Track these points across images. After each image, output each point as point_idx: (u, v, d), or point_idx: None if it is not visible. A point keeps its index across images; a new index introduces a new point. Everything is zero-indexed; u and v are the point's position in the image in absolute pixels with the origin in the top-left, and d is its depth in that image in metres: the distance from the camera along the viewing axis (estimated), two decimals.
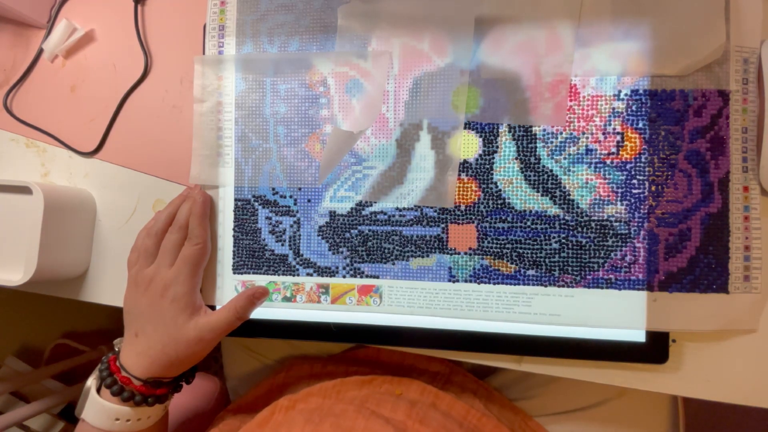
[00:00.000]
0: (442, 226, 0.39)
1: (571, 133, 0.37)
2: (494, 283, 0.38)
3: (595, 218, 0.37)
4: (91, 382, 0.38)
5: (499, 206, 0.38)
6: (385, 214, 0.40)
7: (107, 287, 0.47)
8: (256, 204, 0.42)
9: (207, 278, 0.42)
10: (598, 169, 0.37)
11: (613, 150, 0.37)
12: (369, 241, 0.40)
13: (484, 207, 0.39)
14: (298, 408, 0.40)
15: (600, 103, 0.37)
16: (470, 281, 0.39)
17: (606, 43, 0.37)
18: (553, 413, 0.49)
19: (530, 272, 0.38)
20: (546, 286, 0.38)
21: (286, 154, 0.41)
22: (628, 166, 0.37)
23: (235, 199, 0.42)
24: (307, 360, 0.53)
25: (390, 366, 0.51)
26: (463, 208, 0.39)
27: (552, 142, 0.38)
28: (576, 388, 0.49)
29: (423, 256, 0.39)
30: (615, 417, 0.47)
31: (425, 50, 0.39)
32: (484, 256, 0.38)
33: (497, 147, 0.38)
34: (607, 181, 0.37)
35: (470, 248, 0.39)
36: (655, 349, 0.37)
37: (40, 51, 0.48)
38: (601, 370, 0.38)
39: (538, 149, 0.38)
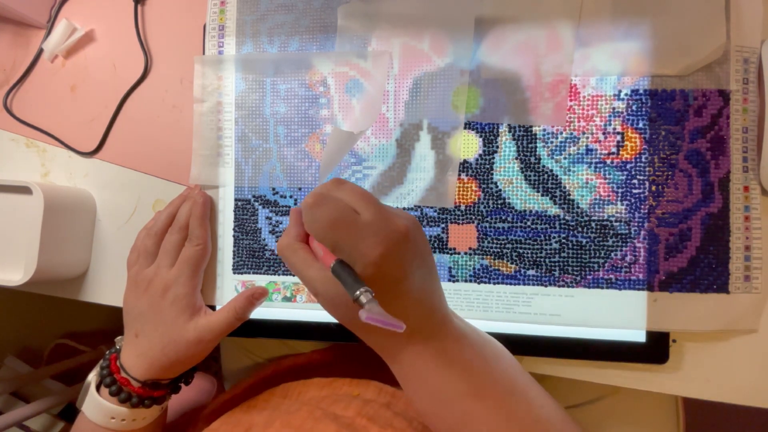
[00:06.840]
0: (442, 226, 0.39)
1: (571, 133, 0.37)
2: (494, 283, 0.38)
3: (596, 218, 0.37)
4: (92, 377, 0.38)
5: (499, 206, 0.38)
6: None
7: (107, 287, 0.47)
8: (256, 204, 0.42)
9: (207, 278, 0.42)
10: (598, 169, 0.37)
11: (614, 150, 0.37)
12: None
13: (484, 207, 0.38)
14: (259, 407, 0.40)
15: (600, 103, 0.37)
16: (470, 281, 0.39)
17: (606, 43, 0.37)
18: None
19: (530, 272, 0.38)
20: (546, 286, 0.38)
21: (286, 154, 0.41)
22: (628, 166, 0.37)
23: (235, 199, 0.42)
24: (292, 366, 0.52)
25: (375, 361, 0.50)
26: (463, 208, 0.39)
27: (552, 142, 0.38)
28: (571, 384, 0.49)
29: None
30: (611, 414, 0.47)
31: (425, 50, 0.39)
32: (484, 256, 0.38)
33: (497, 147, 0.38)
34: (607, 181, 0.37)
35: (470, 248, 0.39)
36: (655, 349, 0.37)
37: (40, 51, 0.48)
38: (601, 370, 0.38)
39: (538, 149, 0.38)
